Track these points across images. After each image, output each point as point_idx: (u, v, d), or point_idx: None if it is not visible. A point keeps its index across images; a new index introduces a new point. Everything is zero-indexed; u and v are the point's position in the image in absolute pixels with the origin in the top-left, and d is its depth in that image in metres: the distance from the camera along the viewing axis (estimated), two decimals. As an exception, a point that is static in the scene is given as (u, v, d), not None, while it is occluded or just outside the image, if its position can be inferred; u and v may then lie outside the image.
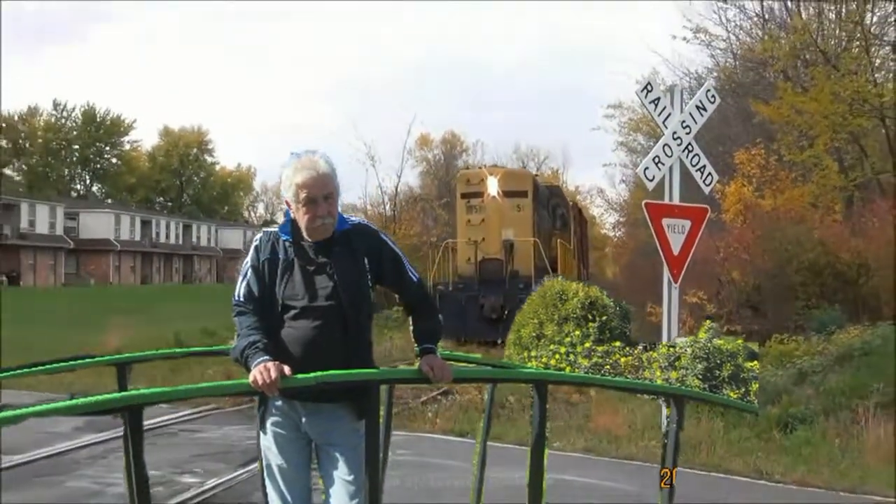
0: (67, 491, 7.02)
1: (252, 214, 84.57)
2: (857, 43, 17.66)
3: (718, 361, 9.97)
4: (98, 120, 70.13)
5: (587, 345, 13.22)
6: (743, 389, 9.84)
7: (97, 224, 61.03)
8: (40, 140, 65.36)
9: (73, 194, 67.32)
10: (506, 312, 19.10)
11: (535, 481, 3.67)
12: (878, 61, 18.41)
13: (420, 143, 49.49)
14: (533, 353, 13.85)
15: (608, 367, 11.56)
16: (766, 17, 19.76)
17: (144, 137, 76.15)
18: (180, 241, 71.65)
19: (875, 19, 18.08)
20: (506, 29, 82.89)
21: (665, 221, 9.73)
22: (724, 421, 9.75)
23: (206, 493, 6.88)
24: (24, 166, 63.74)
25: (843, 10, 18.07)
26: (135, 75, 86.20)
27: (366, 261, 3.71)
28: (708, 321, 11.57)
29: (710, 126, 11.74)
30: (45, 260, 55.03)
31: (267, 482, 3.73)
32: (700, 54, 24.44)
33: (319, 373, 3.34)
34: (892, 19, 17.97)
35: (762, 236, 14.84)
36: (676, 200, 10.01)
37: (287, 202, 3.71)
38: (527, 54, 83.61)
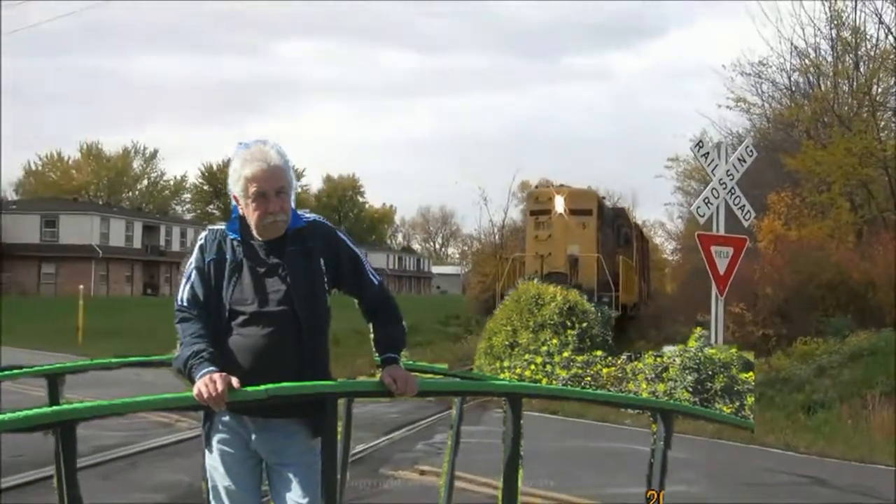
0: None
1: (393, 242, 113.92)
2: (866, 109, 24.25)
3: (710, 372, 10.08)
4: None
5: (566, 354, 13.32)
6: (737, 403, 9.97)
7: None
8: None
9: None
10: None
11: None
12: (882, 123, 24.92)
13: (521, 186, 59.90)
14: (506, 364, 13.88)
15: (589, 378, 11.82)
16: (793, 89, 27.27)
17: (312, 182, 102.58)
18: None
19: (880, 90, 25.04)
20: (588, 101, 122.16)
21: (713, 248, 13.81)
22: (760, 404, 12.95)
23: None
24: (221, 205, 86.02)
25: (854, 83, 24.86)
26: (304, 135, 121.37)
27: (322, 262, 3.67)
28: (699, 328, 11.71)
29: (748, 174, 15.54)
30: None
31: (213, 506, 3.64)
32: (740, 118, 31.50)
33: (271, 385, 3.32)
34: (894, 90, 25.18)
35: (789, 260, 20.16)
36: (722, 232, 14.32)
37: (235, 197, 3.66)
38: (601, 117, 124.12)
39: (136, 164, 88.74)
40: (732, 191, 14.33)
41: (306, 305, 3.60)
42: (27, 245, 59.63)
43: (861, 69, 24.96)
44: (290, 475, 3.61)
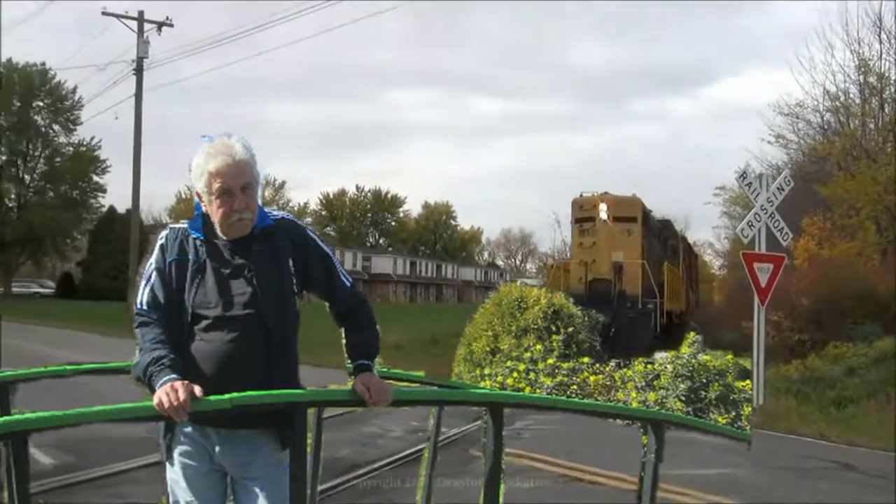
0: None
1: (480, 259, 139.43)
2: (890, 144, 29.46)
3: (704, 380, 10.03)
4: (383, 198, 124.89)
5: (550, 361, 13.25)
6: (733, 413, 9.96)
7: (382, 264, 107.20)
8: (347, 210, 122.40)
9: (368, 244, 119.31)
10: (612, 331, 21.92)
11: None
12: (904, 157, 30.13)
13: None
14: (486, 371, 13.79)
15: (575, 387, 11.86)
16: (825, 127, 32.46)
17: (412, 208, 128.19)
18: (434, 275, 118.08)
19: (903, 127, 30.30)
20: (648, 138, 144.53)
21: (756, 265, 16.68)
22: (797, 400, 16.20)
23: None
24: (336, 227, 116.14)
25: (880, 121, 30.23)
26: (407, 169, 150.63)
27: (290, 262, 3.66)
28: (692, 332, 11.74)
29: (786, 201, 18.30)
30: None
31: (174, 522, 3.62)
32: (779, 152, 36.36)
33: (236, 394, 3.31)
34: (913, 129, 30.12)
35: (822, 275, 23.70)
36: (763, 250, 17.18)
37: (198, 193, 3.63)
38: (659, 152, 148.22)
39: (268, 193, 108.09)
40: (772, 215, 17.31)
41: (274, 309, 3.59)
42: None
43: (886, 109, 30.22)
44: (257, 490, 3.60)
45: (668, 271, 26.61)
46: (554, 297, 15.29)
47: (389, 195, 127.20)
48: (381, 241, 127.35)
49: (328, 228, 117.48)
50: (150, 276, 3.64)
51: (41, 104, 74.49)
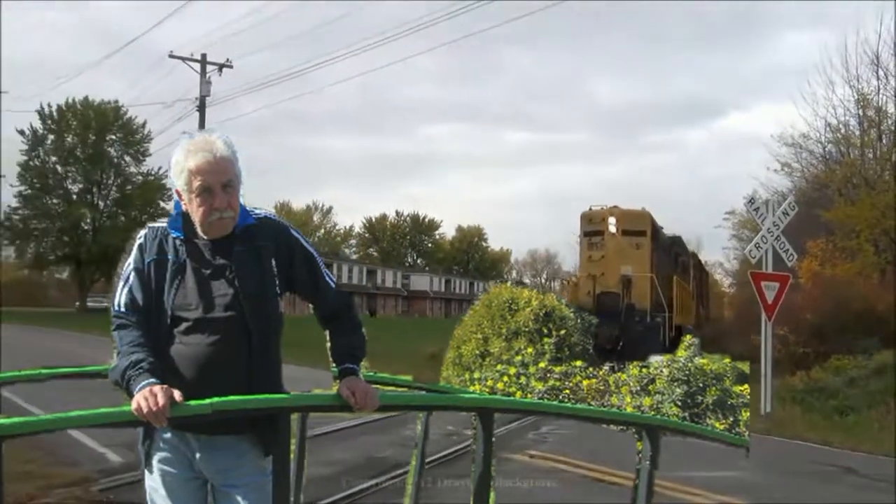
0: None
1: (509, 277, 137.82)
2: (888, 172, 29.40)
3: (701, 385, 9.39)
4: (421, 221, 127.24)
5: (542, 365, 12.38)
6: (731, 419, 9.35)
7: (420, 282, 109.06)
8: (388, 233, 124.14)
9: (407, 264, 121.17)
10: (620, 344, 20.97)
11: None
12: (901, 185, 30.86)
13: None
14: (476, 375, 12.93)
15: (567, 391, 11.20)
16: (827, 157, 32.94)
17: (447, 231, 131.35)
18: (467, 292, 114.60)
19: (899, 158, 31.05)
20: (663, 166, 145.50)
21: (763, 283, 16.94)
22: (802, 408, 16.41)
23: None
24: (378, 248, 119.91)
25: (878, 151, 30.61)
26: (442, 195, 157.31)
27: (273, 263, 3.28)
28: (689, 335, 11.09)
29: (791, 224, 18.38)
30: (390, 302, 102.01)
31: (153, 531, 3.25)
32: (784, 180, 36.54)
33: (217, 398, 2.96)
34: (910, 160, 30.83)
35: (825, 293, 24.01)
36: (770, 270, 17.40)
37: (177, 192, 3.25)
38: (673, 179, 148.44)
39: (316, 217, 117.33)
40: (778, 238, 17.54)
41: (256, 311, 3.20)
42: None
43: (883, 140, 30.66)
44: (239, 498, 3.22)
45: (678, 286, 25.26)
46: (546, 299, 14.28)
47: (426, 219, 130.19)
48: (418, 261, 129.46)
49: (371, 249, 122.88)
50: (128, 277, 3.23)
51: (114, 137, 77.25)
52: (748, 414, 9.54)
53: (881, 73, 29.82)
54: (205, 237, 3.24)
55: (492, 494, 3.40)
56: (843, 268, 27.49)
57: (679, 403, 9.08)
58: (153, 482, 3.27)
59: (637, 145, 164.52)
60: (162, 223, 3.31)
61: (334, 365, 3.32)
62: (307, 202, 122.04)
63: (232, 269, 3.20)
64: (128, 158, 78.07)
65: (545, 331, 13.42)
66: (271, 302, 3.25)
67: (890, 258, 28.89)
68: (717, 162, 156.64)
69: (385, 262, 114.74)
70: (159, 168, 77.18)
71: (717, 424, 8.92)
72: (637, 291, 22.54)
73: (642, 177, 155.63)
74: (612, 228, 23.48)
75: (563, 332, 13.33)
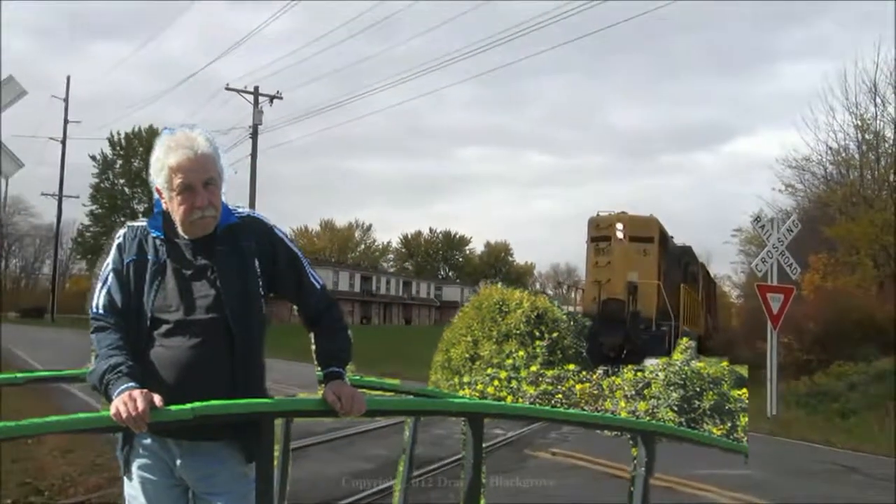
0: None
1: (533, 289, 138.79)
2: (886, 192, 29.97)
3: (698, 389, 8.76)
4: (452, 238, 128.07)
5: (533, 368, 11.57)
6: (729, 424, 8.72)
7: (451, 293, 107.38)
8: (422, 248, 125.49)
9: (439, 276, 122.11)
10: (624, 352, 19.87)
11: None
12: (898, 202, 33.13)
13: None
14: (465, 379, 12.12)
15: (560, 396, 10.59)
16: (828, 178, 33.33)
17: (476, 246, 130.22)
18: None
19: (895, 177, 31.60)
20: (676, 187, 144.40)
21: (769, 295, 16.92)
22: (806, 411, 16.49)
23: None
24: (413, 262, 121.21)
25: (876, 172, 30.82)
26: (472, 213, 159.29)
27: (257, 263, 3.00)
28: (686, 338, 10.35)
29: (795, 240, 18.74)
30: (424, 312, 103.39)
31: (132, 539, 3.12)
32: (788, 199, 36.34)
33: (198, 403, 2.70)
34: (906, 180, 33.06)
35: (827, 304, 24.05)
36: (775, 283, 17.39)
37: (158, 190, 2.98)
38: (685, 198, 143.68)
39: (357, 234, 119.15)
40: (783, 253, 17.66)
41: (239, 312, 2.93)
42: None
43: (881, 162, 31.07)
44: None
45: (686, 294, 23.72)
46: (537, 301, 13.14)
47: (457, 235, 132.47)
48: (450, 273, 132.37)
49: (407, 263, 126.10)
50: (106, 278, 2.97)
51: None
52: (746, 419, 8.90)
53: (878, 100, 30.75)
54: (186, 237, 2.98)
55: (482, 502, 3.05)
56: (844, 281, 28.09)
57: (675, 408, 8.42)
58: (132, 490, 3.01)
59: (651, 167, 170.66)
60: (142, 222, 3.07)
61: (319, 369, 3.04)
62: (349, 220, 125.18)
63: (214, 270, 2.94)
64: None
65: (537, 333, 12.48)
66: (254, 303, 2.99)
67: (888, 272, 29.59)
68: (725, 183, 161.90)
69: (419, 274, 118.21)
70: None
71: (714, 430, 8.28)
72: (643, 299, 21.01)
73: (655, 196, 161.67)
74: (620, 234, 21.83)
75: (555, 334, 12.31)
